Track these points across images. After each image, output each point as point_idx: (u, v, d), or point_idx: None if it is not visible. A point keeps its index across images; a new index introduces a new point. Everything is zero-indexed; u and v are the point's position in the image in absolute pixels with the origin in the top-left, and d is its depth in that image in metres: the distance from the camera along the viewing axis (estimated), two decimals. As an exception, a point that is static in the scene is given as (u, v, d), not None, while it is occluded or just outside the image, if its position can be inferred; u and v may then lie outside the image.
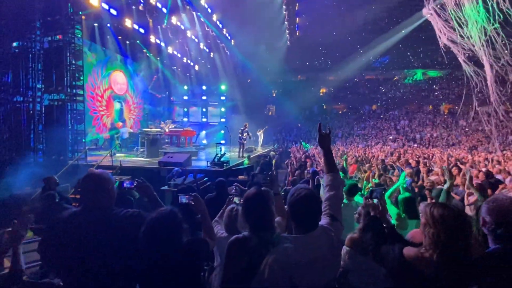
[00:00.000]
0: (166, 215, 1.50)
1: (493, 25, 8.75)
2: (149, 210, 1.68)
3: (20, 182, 6.96)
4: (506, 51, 9.24)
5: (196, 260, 1.59)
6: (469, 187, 3.69)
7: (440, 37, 10.42)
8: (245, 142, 11.60)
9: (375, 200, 1.65)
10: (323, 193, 3.63)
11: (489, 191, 4.05)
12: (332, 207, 1.52)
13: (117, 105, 14.63)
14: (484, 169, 5.96)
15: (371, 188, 1.76)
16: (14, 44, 8.30)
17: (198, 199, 1.80)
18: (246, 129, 11.56)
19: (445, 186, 2.57)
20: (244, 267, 1.30)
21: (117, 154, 9.79)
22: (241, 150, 11.31)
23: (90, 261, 1.50)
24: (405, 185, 3.94)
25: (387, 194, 3.22)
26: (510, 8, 8.11)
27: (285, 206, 1.70)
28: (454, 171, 5.53)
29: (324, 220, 1.49)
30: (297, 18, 30.27)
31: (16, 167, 7.42)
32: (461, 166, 6.60)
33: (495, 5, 8.26)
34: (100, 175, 1.67)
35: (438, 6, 10.36)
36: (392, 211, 2.55)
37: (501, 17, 7.97)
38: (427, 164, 7.77)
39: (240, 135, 11.32)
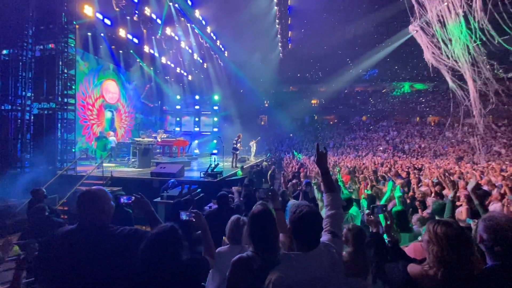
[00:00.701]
0: (166, 231, 1.47)
1: (475, 41, 9.21)
2: (145, 222, 1.64)
3: (4, 193, 6.69)
4: (488, 66, 9.71)
5: (196, 279, 1.56)
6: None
7: (424, 56, 10.87)
8: (238, 152, 11.63)
9: (381, 215, 1.64)
10: (318, 196, 3.60)
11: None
12: (333, 224, 1.54)
13: (108, 114, 14.42)
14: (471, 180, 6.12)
15: (372, 205, 1.75)
16: (4, 51, 8.16)
17: (199, 216, 1.77)
18: (239, 140, 11.61)
19: (450, 197, 2.59)
20: (248, 287, 1.29)
21: (106, 164, 9.58)
22: (234, 160, 11.30)
23: (86, 280, 1.46)
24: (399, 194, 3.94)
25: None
26: (489, 25, 8.57)
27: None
28: (445, 182, 5.66)
29: (325, 237, 1.50)
30: (290, 32, 31.09)
31: (1, 178, 7.15)
32: (449, 177, 6.75)
33: (476, 25, 8.72)
34: (96, 193, 1.64)
35: (424, 23, 10.86)
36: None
37: (483, 37, 8.41)
38: (417, 175, 7.91)
39: (234, 145, 11.36)
